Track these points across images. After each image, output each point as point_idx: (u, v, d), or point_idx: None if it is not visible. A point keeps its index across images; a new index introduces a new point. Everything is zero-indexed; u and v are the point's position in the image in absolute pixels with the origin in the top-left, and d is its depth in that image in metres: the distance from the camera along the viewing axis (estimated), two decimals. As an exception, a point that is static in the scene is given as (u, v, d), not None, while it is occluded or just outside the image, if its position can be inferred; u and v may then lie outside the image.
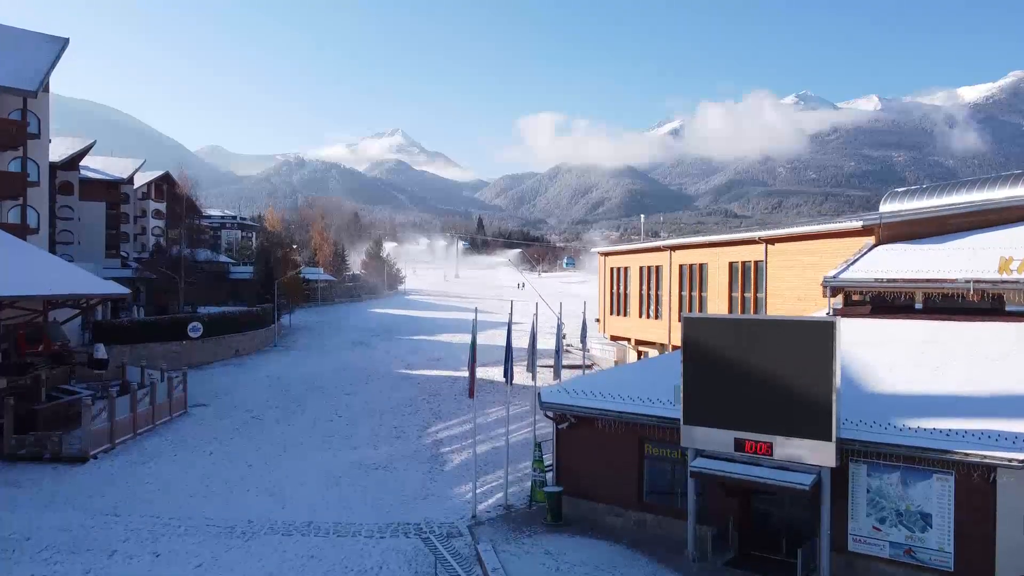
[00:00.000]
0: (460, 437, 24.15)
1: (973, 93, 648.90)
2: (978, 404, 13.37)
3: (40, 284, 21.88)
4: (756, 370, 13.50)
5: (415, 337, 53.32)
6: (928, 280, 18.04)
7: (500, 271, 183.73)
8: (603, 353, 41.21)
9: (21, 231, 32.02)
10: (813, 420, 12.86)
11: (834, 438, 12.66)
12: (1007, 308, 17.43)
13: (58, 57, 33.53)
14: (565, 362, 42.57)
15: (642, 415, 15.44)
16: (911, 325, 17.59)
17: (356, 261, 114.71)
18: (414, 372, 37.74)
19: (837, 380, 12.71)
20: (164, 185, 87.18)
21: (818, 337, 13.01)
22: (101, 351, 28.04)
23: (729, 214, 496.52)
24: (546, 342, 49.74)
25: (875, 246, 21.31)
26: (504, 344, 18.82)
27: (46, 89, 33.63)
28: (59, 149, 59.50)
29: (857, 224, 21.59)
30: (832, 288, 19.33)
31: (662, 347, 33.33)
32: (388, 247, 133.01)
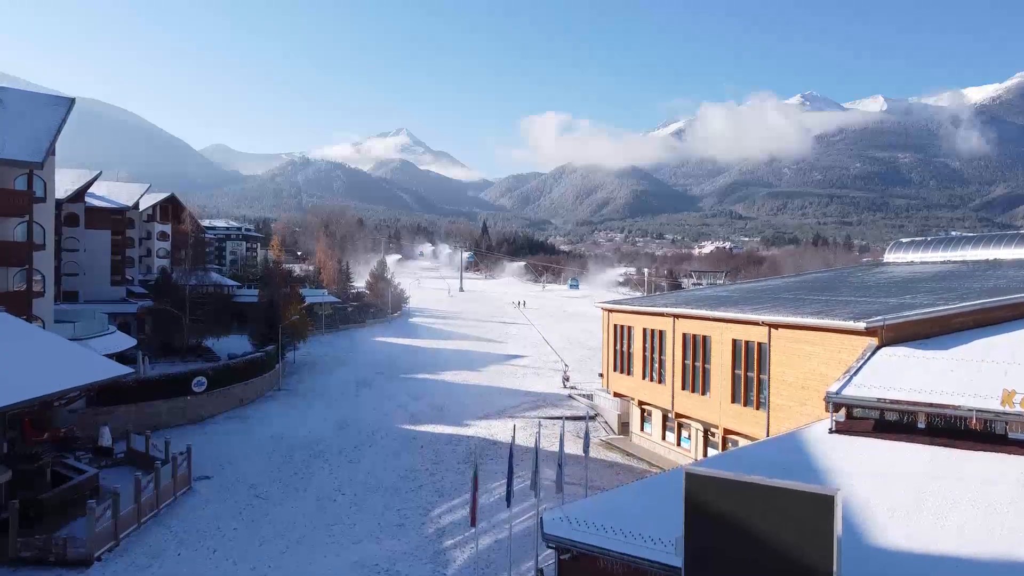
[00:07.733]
0: (463, 524, 24.18)
1: (979, 94, 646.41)
2: (979, 569, 13.38)
3: (43, 381, 21.97)
4: (758, 531, 13.48)
5: (418, 376, 53.53)
6: (930, 404, 18.08)
7: (503, 282, 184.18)
8: (607, 404, 41.21)
9: (26, 296, 32.24)
10: (814, 591, 12.87)
11: (835, 612, 12.68)
12: (1009, 436, 17.41)
13: (64, 120, 33.60)
14: (568, 413, 42.78)
15: (644, 560, 15.47)
16: (912, 452, 17.55)
17: (364, 271, 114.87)
18: (417, 428, 37.85)
19: (837, 552, 12.69)
20: (169, 206, 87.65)
21: (818, 508, 12.98)
22: (106, 437, 28.09)
23: (734, 215, 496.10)
24: (548, 384, 49.93)
25: (878, 348, 21.36)
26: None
27: (52, 152, 33.74)
28: (65, 183, 59.71)
29: (860, 325, 21.59)
30: (834, 404, 19.37)
31: (665, 412, 33.35)
32: (391, 261, 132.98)
